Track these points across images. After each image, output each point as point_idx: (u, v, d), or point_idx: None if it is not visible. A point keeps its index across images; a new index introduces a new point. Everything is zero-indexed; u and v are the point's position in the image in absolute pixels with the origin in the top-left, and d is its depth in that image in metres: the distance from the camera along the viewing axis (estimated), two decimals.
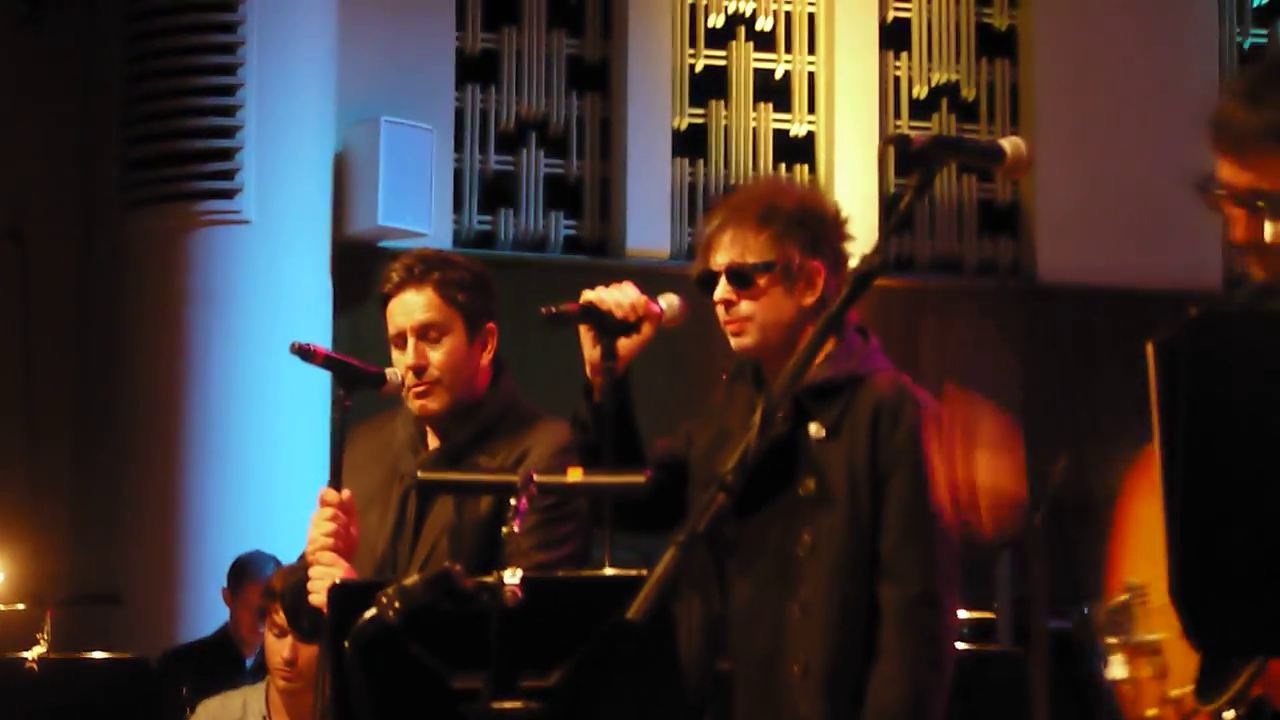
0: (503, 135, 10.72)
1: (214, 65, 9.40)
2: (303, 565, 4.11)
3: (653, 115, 10.78)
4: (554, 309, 3.92)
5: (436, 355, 4.13)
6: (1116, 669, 2.87)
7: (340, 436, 4.18)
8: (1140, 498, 2.91)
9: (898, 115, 11.15)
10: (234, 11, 9.41)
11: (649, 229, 10.63)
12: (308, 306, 9.36)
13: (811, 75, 11.07)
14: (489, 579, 3.09)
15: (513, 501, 3.36)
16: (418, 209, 9.92)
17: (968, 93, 11.30)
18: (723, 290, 3.95)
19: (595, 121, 10.83)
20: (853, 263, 4.00)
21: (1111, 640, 2.89)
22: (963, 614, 7.73)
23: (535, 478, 3.42)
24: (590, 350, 3.93)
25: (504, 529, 3.35)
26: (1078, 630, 8.09)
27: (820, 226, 3.98)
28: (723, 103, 11.00)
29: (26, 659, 6.27)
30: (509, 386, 4.23)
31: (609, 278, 4.04)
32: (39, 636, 6.71)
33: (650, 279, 4.32)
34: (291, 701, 5.63)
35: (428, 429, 4.21)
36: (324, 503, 4.06)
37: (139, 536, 9.21)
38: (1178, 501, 2.36)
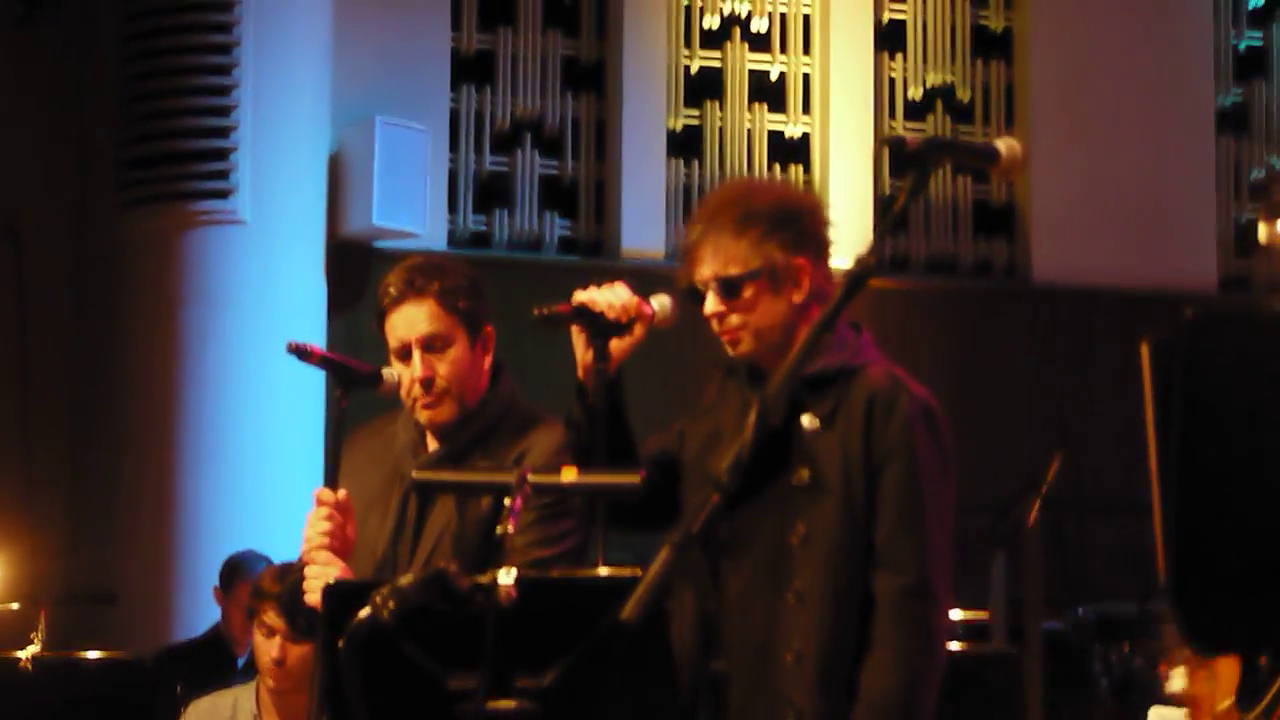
0: (498, 136, 10.71)
1: (209, 65, 9.40)
2: (299, 565, 4.12)
3: (648, 116, 10.78)
4: (546, 310, 3.92)
5: (443, 366, 4.14)
6: (1176, 682, 2.90)
7: (336, 436, 4.18)
8: None
9: (893, 116, 11.14)
10: (229, 12, 9.41)
11: (644, 230, 10.62)
12: (303, 306, 9.35)
13: (806, 76, 11.07)
14: (483, 579, 3.09)
15: (507, 502, 3.36)
16: (413, 209, 9.91)
17: (963, 94, 11.30)
18: (712, 304, 3.94)
19: (590, 122, 10.82)
20: (837, 251, 4.01)
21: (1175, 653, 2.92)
22: (957, 614, 7.73)
23: (530, 478, 3.42)
24: (582, 351, 3.92)
25: (499, 529, 3.37)
26: (1072, 630, 8.09)
27: (799, 221, 3.96)
28: (718, 104, 10.99)
29: (21, 658, 6.26)
30: (508, 387, 4.24)
31: (604, 278, 4.02)
32: (33, 636, 6.69)
33: (645, 280, 4.32)
34: (282, 701, 5.64)
35: (428, 432, 4.22)
36: (320, 502, 4.07)
37: (134, 536, 9.21)
38: (1171, 499, 2.37)
